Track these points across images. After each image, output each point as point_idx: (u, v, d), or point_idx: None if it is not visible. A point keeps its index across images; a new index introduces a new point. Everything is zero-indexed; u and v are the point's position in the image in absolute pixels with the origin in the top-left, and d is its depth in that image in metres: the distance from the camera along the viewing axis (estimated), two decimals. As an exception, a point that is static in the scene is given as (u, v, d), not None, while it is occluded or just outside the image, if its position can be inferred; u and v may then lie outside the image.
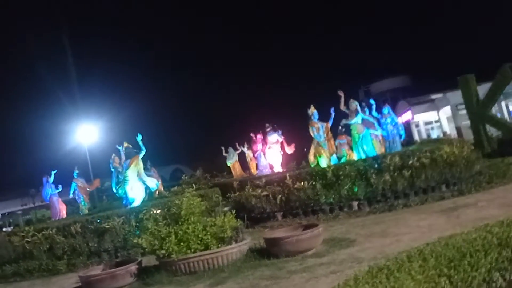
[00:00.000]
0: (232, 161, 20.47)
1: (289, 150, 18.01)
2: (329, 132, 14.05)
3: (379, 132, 14.12)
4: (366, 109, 14.23)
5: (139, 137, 12.86)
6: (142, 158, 13.29)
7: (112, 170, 14.36)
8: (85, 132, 31.62)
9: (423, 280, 3.75)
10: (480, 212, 8.04)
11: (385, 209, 10.46)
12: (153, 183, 13.77)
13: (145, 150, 12.93)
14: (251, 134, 19.63)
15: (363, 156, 12.69)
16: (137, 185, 12.88)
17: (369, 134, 13.11)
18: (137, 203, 12.65)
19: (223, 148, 20.93)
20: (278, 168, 17.60)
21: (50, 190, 16.06)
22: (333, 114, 13.46)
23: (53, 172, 16.25)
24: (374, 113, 14.38)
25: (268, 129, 17.99)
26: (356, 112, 13.08)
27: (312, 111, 13.84)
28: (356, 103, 13.29)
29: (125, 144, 13.15)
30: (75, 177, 16.40)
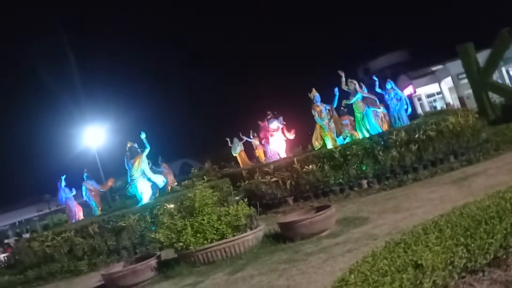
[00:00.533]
0: (237, 151, 20.53)
1: (290, 135, 18.06)
2: (334, 113, 14.04)
3: (380, 110, 14.13)
4: (365, 88, 14.23)
5: (143, 135, 12.96)
6: (150, 155, 13.40)
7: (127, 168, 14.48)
8: (93, 134, 31.76)
9: (440, 251, 3.83)
10: (491, 180, 8.10)
11: (395, 185, 10.55)
12: (160, 179, 13.88)
13: (149, 148, 13.04)
14: (259, 122, 19.69)
15: (367, 135, 12.71)
16: (143, 183, 13.00)
17: (370, 112, 13.10)
18: (145, 200, 12.79)
19: (228, 139, 21.00)
20: (283, 154, 17.68)
21: (65, 194, 16.23)
22: (337, 95, 13.41)
23: (62, 177, 16.38)
24: (377, 89, 14.37)
25: (269, 117, 18.07)
26: (355, 92, 13.06)
27: (314, 94, 13.85)
28: (355, 82, 13.25)
29: (129, 144, 13.25)
30: (85, 179, 16.54)
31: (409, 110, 15.47)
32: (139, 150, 13.14)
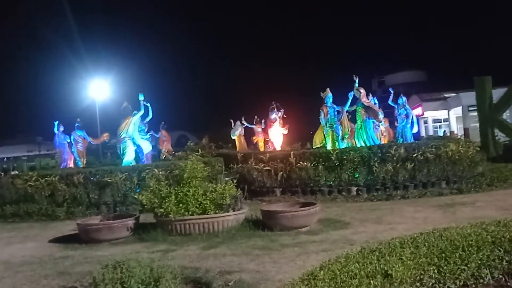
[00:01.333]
0: (236, 134, 20.52)
1: (283, 130, 18.04)
2: (344, 116, 13.93)
3: (382, 124, 14.11)
4: (373, 99, 14.24)
5: (141, 97, 12.92)
6: (152, 120, 13.40)
7: None
8: (96, 87, 31.68)
9: (412, 266, 3.84)
10: (477, 212, 8.11)
11: (383, 198, 10.58)
12: (147, 145, 13.84)
13: (142, 111, 13.00)
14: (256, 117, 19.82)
15: (363, 144, 12.65)
16: (128, 144, 12.97)
17: (370, 123, 13.01)
18: (126, 161, 12.79)
19: (232, 121, 20.95)
20: (277, 147, 17.66)
21: (59, 139, 16.17)
22: (350, 98, 13.31)
23: (55, 123, 16.30)
24: (390, 102, 14.39)
25: (272, 107, 18.05)
26: (359, 100, 12.94)
27: (326, 94, 13.69)
28: (362, 90, 13.10)
29: (124, 104, 13.18)
30: (75, 129, 16.32)
31: (416, 128, 15.47)
32: (134, 112, 13.11)
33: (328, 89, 13.86)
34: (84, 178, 11.76)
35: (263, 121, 19.86)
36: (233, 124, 20.93)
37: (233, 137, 20.92)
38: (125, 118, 12.94)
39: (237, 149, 19.78)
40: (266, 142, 19.32)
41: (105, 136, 17.83)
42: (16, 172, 22.61)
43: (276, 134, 17.90)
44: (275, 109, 17.97)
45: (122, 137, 12.86)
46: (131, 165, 12.59)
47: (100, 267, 4.68)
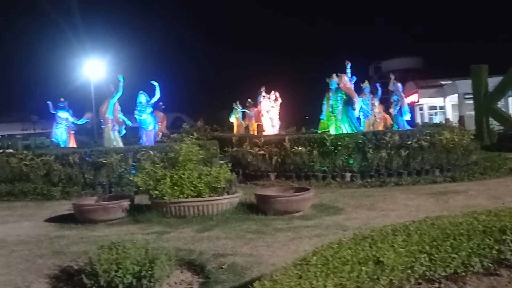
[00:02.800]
0: (234, 116, 20.49)
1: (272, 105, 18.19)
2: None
3: (369, 113, 14.23)
4: (367, 87, 14.38)
5: (121, 79, 12.92)
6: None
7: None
8: (92, 67, 31.46)
9: (404, 253, 3.91)
10: (469, 200, 8.21)
11: (377, 185, 10.66)
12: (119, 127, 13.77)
13: (120, 93, 13.04)
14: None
15: (347, 129, 12.76)
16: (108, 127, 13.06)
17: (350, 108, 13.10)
18: (105, 144, 12.98)
19: (234, 103, 20.83)
20: (269, 130, 17.67)
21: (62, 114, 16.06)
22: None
23: (49, 102, 16.17)
24: (390, 87, 14.52)
25: (259, 92, 18.13)
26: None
27: (331, 79, 13.71)
28: (343, 77, 13.17)
29: (111, 86, 13.21)
30: (58, 109, 16.16)
31: (409, 116, 15.55)
32: (114, 92, 13.11)
33: (334, 75, 13.84)
34: (80, 159, 11.77)
35: (250, 103, 19.85)
36: (236, 104, 20.76)
37: (231, 120, 20.89)
38: (105, 99, 13.01)
39: (234, 132, 19.79)
40: (258, 126, 19.35)
41: (88, 115, 17.64)
42: (11, 150, 22.54)
43: (267, 118, 17.93)
44: (263, 94, 17.98)
45: (106, 118, 12.91)
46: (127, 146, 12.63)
47: (95, 248, 4.74)
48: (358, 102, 13.34)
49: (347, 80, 13.17)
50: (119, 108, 13.61)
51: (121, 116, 14.00)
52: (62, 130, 16.14)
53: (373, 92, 15.85)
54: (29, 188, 11.41)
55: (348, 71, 13.48)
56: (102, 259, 4.46)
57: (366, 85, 13.97)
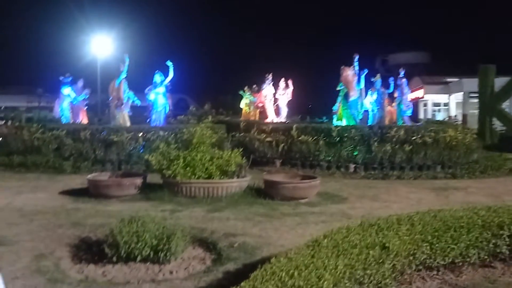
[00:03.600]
0: (244, 102, 20.44)
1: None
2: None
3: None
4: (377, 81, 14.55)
5: (127, 59, 13.04)
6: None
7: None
8: (99, 43, 31.43)
9: (408, 241, 4.23)
10: (469, 197, 8.51)
11: (379, 177, 10.97)
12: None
13: (124, 75, 13.16)
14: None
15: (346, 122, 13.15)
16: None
17: (356, 102, 13.42)
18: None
19: (246, 87, 20.78)
20: (271, 117, 17.83)
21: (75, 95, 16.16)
22: (362, 77, 13.77)
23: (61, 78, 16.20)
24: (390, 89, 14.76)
25: (267, 78, 18.22)
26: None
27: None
28: (349, 71, 13.45)
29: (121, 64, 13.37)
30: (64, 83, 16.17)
31: (409, 112, 15.74)
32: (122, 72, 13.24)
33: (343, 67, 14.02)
34: (91, 135, 12.06)
35: (254, 89, 19.87)
36: (245, 89, 20.66)
37: (242, 106, 20.78)
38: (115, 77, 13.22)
39: (242, 117, 19.84)
40: (261, 112, 19.38)
41: (85, 91, 17.53)
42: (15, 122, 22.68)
43: (270, 105, 18.05)
44: (268, 80, 18.05)
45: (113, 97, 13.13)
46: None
47: (117, 221, 5.05)
48: (356, 95, 13.56)
49: (349, 73, 13.40)
50: (125, 87, 13.77)
51: (130, 95, 14.16)
52: (65, 106, 16.21)
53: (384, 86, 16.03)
54: (41, 160, 11.72)
55: (356, 63, 13.69)
56: (124, 231, 4.76)
57: (377, 78, 14.15)
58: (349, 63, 13.76)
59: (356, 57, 13.65)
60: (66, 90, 16.11)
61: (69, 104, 16.28)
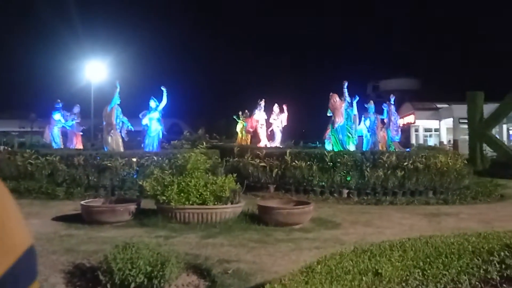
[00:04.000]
0: (239, 126, 20.60)
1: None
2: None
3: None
4: (371, 107, 14.76)
5: (118, 85, 13.26)
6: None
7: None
8: (93, 68, 31.68)
9: (400, 267, 4.28)
10: (460, 223, 8.60)
11: (372, 202, 11.05)
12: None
13: (117, 101, 13.35)
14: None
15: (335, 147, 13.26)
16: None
17: (344, 128, 13.61)
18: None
19: (240, 112, 20.97)
20: (263, 142, 17.95)
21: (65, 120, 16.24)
22: (354, 102, 14.03)
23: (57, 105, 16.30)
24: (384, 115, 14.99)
25: (259, 104, 18.39)
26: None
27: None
28: (334, 98, 13.70)
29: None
30: (55, 109, 16.27)
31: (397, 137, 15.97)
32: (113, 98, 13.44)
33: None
34: (85, 160, 12.07)
35: (245, 114, 20.04)
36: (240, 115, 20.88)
37: (238, 130, 20.90)
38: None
39: (237, 142, 19.95)
40: (253, 137, 19.49)
41: (72, 116, 17.49)
42: (6, 147, 22.59)
43: (263, 130, 18.18)
44: (260, 106, 18.21)
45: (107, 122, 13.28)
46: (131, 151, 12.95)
47: (111, 247, 5.06)
48: (342, 122, 13.69)
49: (336, 100, 13.64)
50: (118, 112, 13.84)
51: (124, 120, 14.28)
52: (56, 132, 16.33)
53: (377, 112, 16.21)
54: (34, 186, 11.68)
55: (345, 90, 13.91)
56: (118, 258, 4.77)
57: (370, 104, 14.41)
58: (341, 89, 14.01)
59: (345, 84, 13.88)
60: (57, 116, 16.22)
61: (59, 129, 16.38)
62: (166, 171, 8.64)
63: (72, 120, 16.85)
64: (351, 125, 14.02)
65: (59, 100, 16.45)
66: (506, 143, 28.49)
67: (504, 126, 32.09)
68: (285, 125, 18.35)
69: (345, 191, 11.55)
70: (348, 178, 11.65)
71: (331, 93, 13.83)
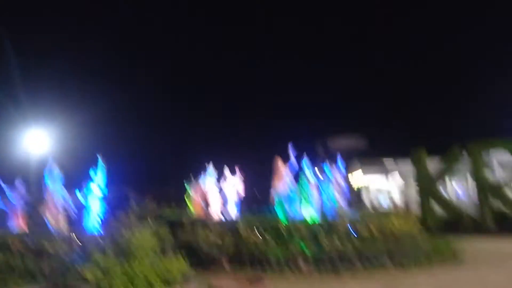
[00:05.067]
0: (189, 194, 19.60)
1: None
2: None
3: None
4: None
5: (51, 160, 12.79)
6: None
7: None
8: (35, 138, 29.66)
9: None
10: None
11: (330, 271, 10.74)
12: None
13: (59, 177, 12.86)
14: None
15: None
16: None
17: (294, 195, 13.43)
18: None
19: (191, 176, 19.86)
20: (214, 212, 16.79)
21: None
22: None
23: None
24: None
25: (206, 168, 17.32)
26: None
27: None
28: (279, 162, 13.66)
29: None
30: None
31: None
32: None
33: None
34: (20, 243, 11.03)
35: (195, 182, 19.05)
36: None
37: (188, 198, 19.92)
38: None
39: (189, 212, 18.93)
40: (202, 207, 18.34)
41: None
42: None
43: (213, 199, 16.97)
44: (208, 171, 17.08)
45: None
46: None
47: None
48: (283, 189, 13.47)
49: (279, 166, 13.55)
50: (59, 190, 13.08)
51: (66, 199, 13.49)
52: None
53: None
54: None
55: (290, 153, 13.75)
56: None
57: (326, 165, 14.24)
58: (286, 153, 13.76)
59: (290, 146, 13.74)
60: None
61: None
62: (109, 254, 7.95)
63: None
64: (306, 188, 13.66)
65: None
66: (454, 199, 29.31)
67: (451, 182, 33.12)
68: (239, 189, 17.23)
69: (302, 262, 11.15)
70: (303, 247, 11.30)
71: (276, 156, 13.61)
